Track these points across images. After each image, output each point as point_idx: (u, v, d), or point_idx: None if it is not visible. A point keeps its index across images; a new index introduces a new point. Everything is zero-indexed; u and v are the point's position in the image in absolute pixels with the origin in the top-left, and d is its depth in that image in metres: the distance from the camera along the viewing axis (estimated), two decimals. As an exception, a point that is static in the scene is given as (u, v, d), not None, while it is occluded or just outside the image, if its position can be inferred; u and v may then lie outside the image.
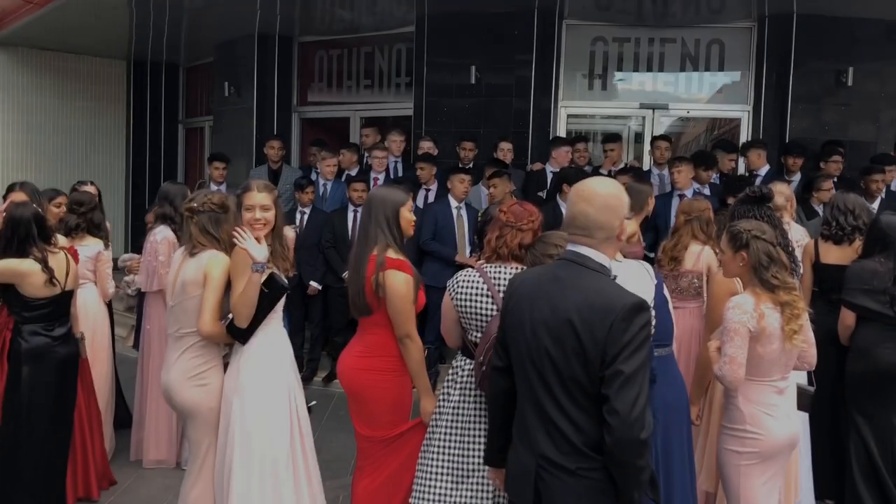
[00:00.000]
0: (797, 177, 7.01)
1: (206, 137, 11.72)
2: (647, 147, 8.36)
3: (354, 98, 9.74)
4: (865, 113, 7.96)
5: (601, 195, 2.32)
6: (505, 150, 7.59)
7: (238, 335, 3.45)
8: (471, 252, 6.70)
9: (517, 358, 2.38)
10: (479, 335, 3.08)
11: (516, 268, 3.08)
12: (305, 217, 7.11)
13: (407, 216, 3.44)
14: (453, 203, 6.81)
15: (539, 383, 2.28)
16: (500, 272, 3.10)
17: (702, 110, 8.48)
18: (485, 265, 3.17)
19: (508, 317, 2.41)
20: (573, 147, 7.52)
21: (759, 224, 3.25)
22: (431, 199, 7.36)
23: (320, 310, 7.22)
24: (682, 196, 6.63)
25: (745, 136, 8.19)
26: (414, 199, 4.02)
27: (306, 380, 7.10)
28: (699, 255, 4.61)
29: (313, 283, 7.04)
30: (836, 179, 6.65)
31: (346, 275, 6.91)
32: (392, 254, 3.38)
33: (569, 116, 8.55)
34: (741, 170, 7.63)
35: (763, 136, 7.98)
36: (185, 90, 12.49)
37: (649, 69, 8.48)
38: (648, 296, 2.95)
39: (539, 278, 2.40)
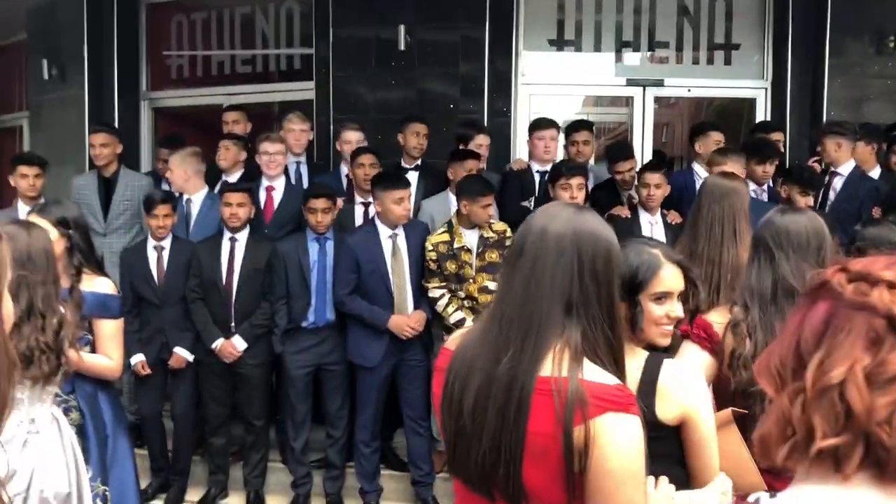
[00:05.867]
0: (876, 171, 5.02)
1: (26, 138, 8.70)
2: (643, 134, 6.24)
3: (228, 78, 7.11)
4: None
5: None
6: (483, 146, 5.26)
7: None
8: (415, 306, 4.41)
9: None
10: None
11: None
12: (165, 254, 4.47)
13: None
14: (385, 231, 4.41)
15: None
16: None
17: (707, 87, 6.39)
18: None
19: None
20: (568, 138, 5.28)
21: None
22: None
23: (189, 394, 4.63)
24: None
25: (762, 118, 6.17)
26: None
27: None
28: None
29: (179, 351, 4.48)
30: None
31: (217, 345, 4.30)
32: (599, 376, 1.41)
33: (531, 97, 6.29)
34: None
35: (791, 120, 6.03)
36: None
37: (636, 33, 6.33)
38: None
39: None
